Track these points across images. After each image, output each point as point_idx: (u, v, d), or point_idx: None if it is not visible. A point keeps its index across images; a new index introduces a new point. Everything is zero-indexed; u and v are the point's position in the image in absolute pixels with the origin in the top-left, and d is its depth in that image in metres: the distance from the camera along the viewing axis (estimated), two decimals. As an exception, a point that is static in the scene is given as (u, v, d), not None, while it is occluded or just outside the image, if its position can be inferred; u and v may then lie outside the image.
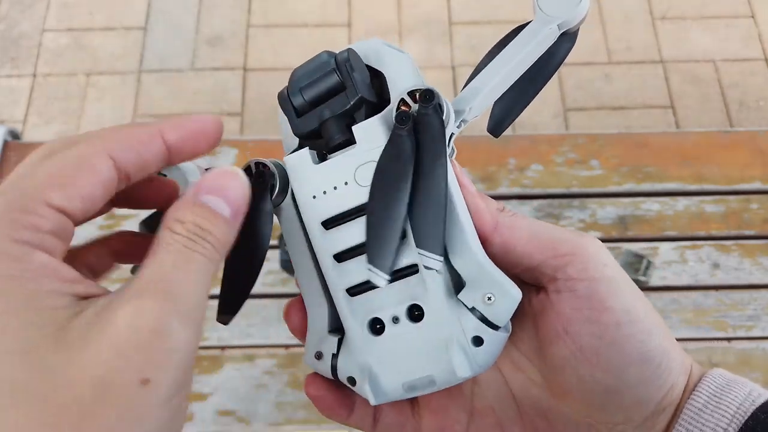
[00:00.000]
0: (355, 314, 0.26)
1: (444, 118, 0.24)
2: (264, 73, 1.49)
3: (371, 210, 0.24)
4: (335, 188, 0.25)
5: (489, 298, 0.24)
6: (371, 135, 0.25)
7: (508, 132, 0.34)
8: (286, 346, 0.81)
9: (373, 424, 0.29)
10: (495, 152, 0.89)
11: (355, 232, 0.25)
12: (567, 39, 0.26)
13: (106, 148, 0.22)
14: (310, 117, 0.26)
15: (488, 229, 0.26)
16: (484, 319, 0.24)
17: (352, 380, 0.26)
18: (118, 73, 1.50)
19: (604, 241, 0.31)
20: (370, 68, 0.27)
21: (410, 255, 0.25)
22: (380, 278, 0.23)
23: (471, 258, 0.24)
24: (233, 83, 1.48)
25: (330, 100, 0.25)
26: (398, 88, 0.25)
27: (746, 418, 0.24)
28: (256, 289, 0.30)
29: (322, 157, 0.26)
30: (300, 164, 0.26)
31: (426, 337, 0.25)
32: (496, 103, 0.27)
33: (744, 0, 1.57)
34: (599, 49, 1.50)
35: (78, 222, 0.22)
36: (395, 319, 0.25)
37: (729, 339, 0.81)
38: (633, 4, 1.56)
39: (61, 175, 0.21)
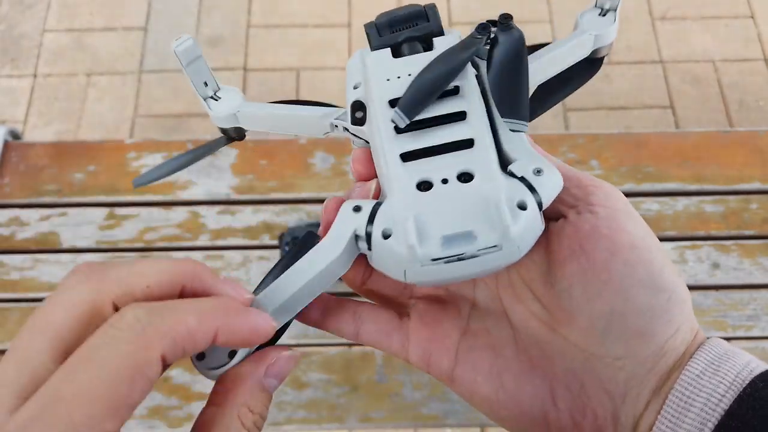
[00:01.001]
0: (405, 175, 0.26)
1: None
2: (264, 73, 1.49)
3: (420, 75, 0.27)
4: (409, 75, 0.28)
5: (537, 171, 0.26)
6: (448, 44, 0.29)
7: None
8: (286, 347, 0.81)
9: (355, 334, 0.30)
10: (495, 152, 0.89)
11: None
12: (595, 63, 0.32)
13: (161, 350, 0.20)
14: (392, 35, 0.30)
15: None
16: (531, 188, 0.25)
17: (386, 234, 0.25)
18: (119, 74, 1.50)
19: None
20: None
21: (469, 130, 0.27)
22: (402, 120, 0.26)
23: (521, 140, 0.27)
24: (233, 83, 1.48)
25: (412, 26, 0.30)
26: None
27: (744, 386, 0.23)
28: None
29: None
30: (381, 57, 0.29)
31: (473, 196, 0.25)
32: (534, 92, 0.30)
33: (744, 0, 1.57)
34: (599, 49, 1.50)
35: None
36: (444, 180, 0.26)
37: (729, 339, 0.81)
38: (633, 4, 1.57)
39: (115, 396, 0.19)
